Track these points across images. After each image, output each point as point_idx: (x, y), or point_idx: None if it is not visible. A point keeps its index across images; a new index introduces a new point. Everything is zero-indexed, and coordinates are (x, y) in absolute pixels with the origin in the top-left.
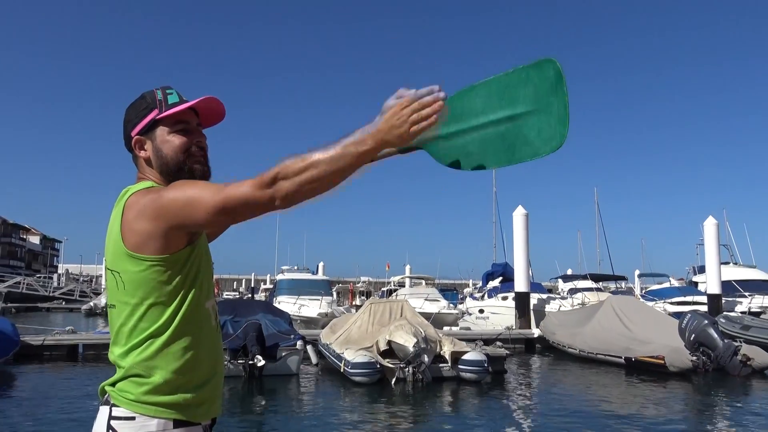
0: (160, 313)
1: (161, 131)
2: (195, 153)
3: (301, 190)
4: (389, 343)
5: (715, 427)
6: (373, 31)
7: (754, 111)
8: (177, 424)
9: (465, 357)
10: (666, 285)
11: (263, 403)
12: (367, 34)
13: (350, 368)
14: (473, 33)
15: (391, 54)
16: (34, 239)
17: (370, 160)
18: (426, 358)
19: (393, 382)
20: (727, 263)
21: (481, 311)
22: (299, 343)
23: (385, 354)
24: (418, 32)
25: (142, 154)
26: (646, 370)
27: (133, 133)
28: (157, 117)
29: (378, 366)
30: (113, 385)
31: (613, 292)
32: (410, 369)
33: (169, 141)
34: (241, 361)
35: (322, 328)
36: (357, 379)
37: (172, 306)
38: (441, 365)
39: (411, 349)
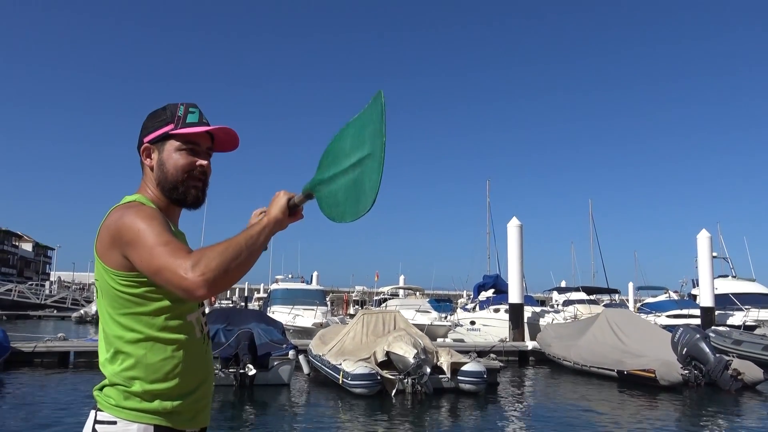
0: (135, 324)
1: (170, 146)
2: (196, 176)
3: (227, 278)
4: (387, 354)
5: None
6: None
7: (752, 123)
8: (158, 429)
9: (464, 368)
10: (661, 298)
11: (254, 412)
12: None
13: (350, 380)
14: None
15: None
16: (27, 246)
17: (271, 234)
18: (427, 369)
19: (393, 394)
20: (725, 276)
21: (473, 323)
22: (291, 352)
23: (382, 365)
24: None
25: (148, 162)
26: (637, 384)
27: (145, 140)
28: (171, 132)
29: (378, 377)
30: (101, 389)
31: (607, 305)
32: (410, 380)
33: (174, 158)
34: (232, 370)
35: None
36: (357, 390)
37: (147, 318)
38: (440, 376)
39: (411, 360)
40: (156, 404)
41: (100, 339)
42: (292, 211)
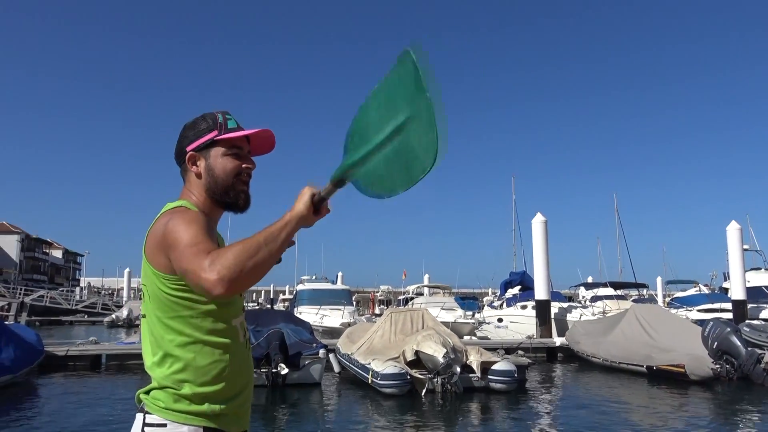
0: (184, 327)
1: (216, 151)
2: (244, 179)
3: (243, 277)
4: (416, 353)
5: None
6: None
7: None
8: (207, 431)
9: (494, 367)
10: (691, 292)
11: (287, 412)
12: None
13: (379, 379)
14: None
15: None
16: (57, 253)
17: (294, 231)
18: (457, 369)
19: (423, 394)
20: (758, 269)
21: (500, 320)
22: (321, 351)
23: (411, 364)
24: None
25: (194, 169)
26: (667, 379)
27: (188, 148)
28: (216, 138)
29: (408, 377)
30: (148, 393)
31: (635, 300)
32: (439, 380)
33: (223, 162)
34: (264, 370)
35: None
36: (387, 390)
37: (195, 322)
38: (470, 375)
39: (441, 359)
40: (205, 407)
41: (145, 342)
42: (318, 206)
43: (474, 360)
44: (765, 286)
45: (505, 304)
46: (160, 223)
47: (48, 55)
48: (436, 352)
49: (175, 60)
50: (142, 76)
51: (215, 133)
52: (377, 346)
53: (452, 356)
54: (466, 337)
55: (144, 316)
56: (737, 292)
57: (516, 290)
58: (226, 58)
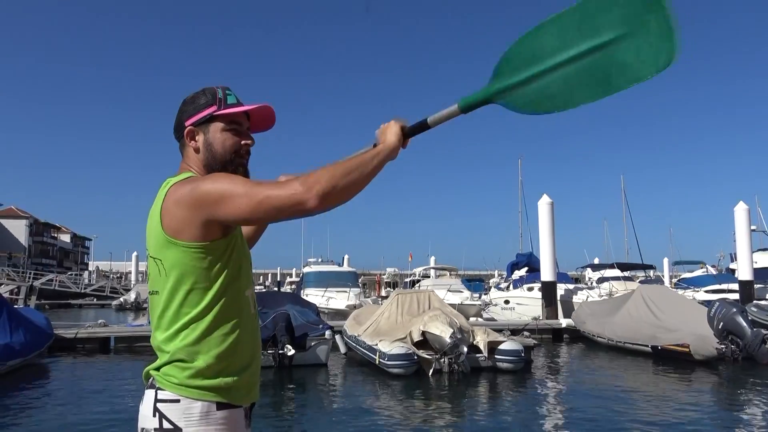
0: (201, 298)
1: (215, 127)
2: (243, 155)
3: (335, 189)
4: (423, 333)
5: (742, 415)
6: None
7: None
8: (220, 406)
9: (502, 347)
10: (698, 273)
11: (295, 392)
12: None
13: (387, 360)
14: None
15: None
16: (65, 237)
17: (384, 162)
18: (465, 349)
19: (430, 374)
20: (765, 250)
21: (507, 302)
22: (327, 332)
23: (418, 345)
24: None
25: (192, 144)
26: (672, 359)
27: (187, 123)
28: (215, 113)
29: (415, 357)
30: (158, 369)
31: (642, 281)
32: (446, 360)
33: (222, 138)
34: (270, 351)
35: None
36: (394, 371)
37: (212, 292)
38: (477, 356)
39: (448, 339)
40: (218, 381)
41: (155, 318)
42: (407, 138)
43: (481, 340)
44: None
45: (511, 286)
46: (180, 193)
47: (53, 41)
48: (443, 332)
49: (179, 41)
50: (147, 57)
51: (214, 108)
52: (384, 328)
53: (459, 336)
54: (472, 319)
55: (156, 292)
56: (744, 273)
57: (523, 272)
58: (230, 40)
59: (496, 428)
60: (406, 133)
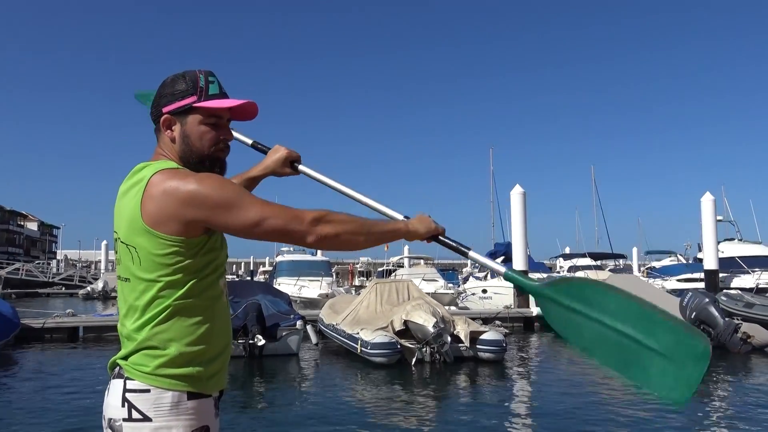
0: (177, 289)
1: (193, 119)
2: (221, 148)
3: (337, 238)
4: (405, 323)
5: (715, 403)
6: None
7: (757, 86)
8: (191, 396)
9: (483, 337)
10: (666, 262)
11: (265, 383)
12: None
13: (369, 348)
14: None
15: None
16: (32, 226)
17: (396, 239)
18: (448, 338)
19: (413, 363)
20: (731, 240)
21: (484, 291)
22: (299, 323)
23: (399, 334)
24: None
25: (168, 133)
26: None
27: (164, 110)
28: (194, 105)
29: (398, 346)
30: (125, 358)
31: (612, 270)
32: (429, 349)
33: (200, 131)
34: (241, 341)
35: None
36: (377, 360)
37: (189, 284)
38: (459, 345)
39: (431, 329)
40: (190, 369)
41: (124, 307)
42: (433, 238)
43: (462, 330)
44: (738, 257)
45: (489, 275)
46: (170, 186)
47: (18, 26)
48: (426, 321)
49: (149, 25)
50: (114, 42)
51: (194, 98)
52: (363, 317)
53: (442, 326)
54: (446, 308)
55: (127, 279)
56: (710, 263)
57: (499, 261)
58: (203, 27)
59: (478, 417)
60: (438, 239)
